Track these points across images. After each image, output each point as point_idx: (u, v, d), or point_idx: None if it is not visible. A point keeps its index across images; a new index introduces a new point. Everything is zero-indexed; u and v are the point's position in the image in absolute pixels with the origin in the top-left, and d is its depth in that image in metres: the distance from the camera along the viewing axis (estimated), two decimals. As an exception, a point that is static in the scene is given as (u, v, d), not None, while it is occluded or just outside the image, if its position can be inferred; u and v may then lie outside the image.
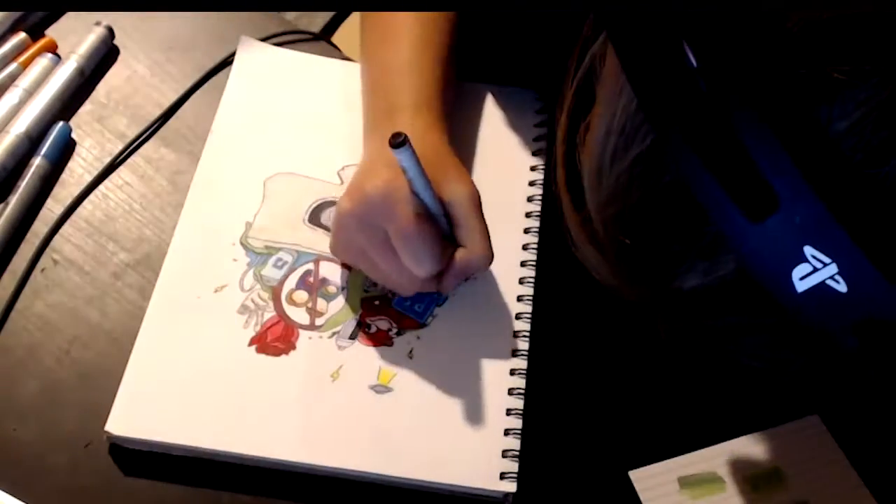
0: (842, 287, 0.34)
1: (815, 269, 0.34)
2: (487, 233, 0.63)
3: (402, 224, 0.60)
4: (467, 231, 0.63)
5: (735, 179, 0.34)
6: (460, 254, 0.63)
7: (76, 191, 0.71)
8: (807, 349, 0.41)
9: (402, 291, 0.65)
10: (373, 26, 0.72)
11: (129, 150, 0.74)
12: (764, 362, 0.43)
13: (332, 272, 0.67)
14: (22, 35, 0.77)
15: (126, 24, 0.80)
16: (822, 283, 0.34)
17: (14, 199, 0.69)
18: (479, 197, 0.63)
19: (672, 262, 0.39)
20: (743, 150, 0.33)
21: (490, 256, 0.63)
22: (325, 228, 0.69)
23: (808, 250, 0.34)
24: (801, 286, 0.35)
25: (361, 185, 0.62)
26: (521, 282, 0.67)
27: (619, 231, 0.41)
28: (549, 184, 0.71)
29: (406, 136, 0.57)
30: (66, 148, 0.73)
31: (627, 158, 0.39)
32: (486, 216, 0.70)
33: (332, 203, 0.70)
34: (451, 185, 0.62)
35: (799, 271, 0.34)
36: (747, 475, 0.61)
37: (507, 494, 0.60)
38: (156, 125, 0.75)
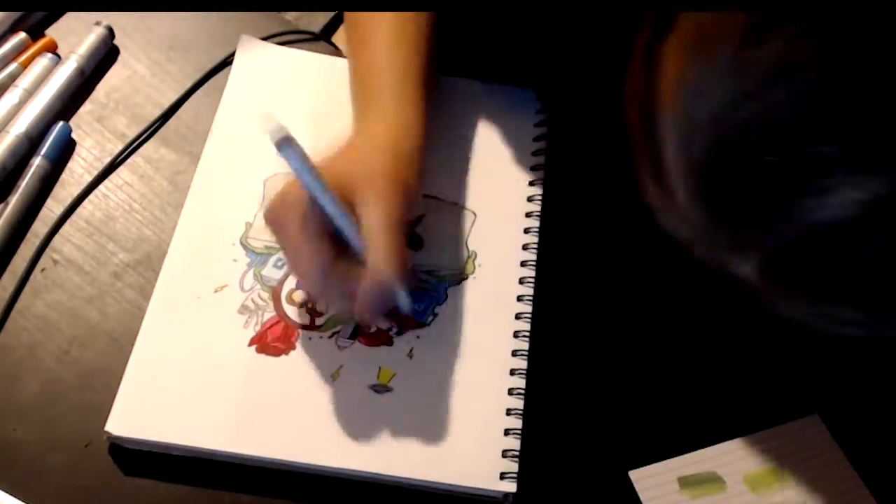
0: None
1: None
2: (397, 251, 0.59)
3: (289, 232, 0.58)
4: (370, 249, 0.58)
5: None
6: (364, 273, 0.59)
7: (76, 191, 0.71)
8: None
9: (320, 302, 0.64)
10: (353, 29, 0.71)
11: (129, 150, 0.74)
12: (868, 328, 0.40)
13: (332, 272, 0.67)
14: (22, 35, 0.77)
15: (126, 24, 0.80)
16: None
17: (14, 199, 0.69)
18: (392, 217, 0.59)
19: (807, 175, 0.36)
20: None
21: (392, 276, 0.58)
22: (325, 228, 0.69)
23: None
24: None
25: (284, 188, 0.61)
26: (521, 282, 0.67)
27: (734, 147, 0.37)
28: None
29: (287, 136, 0.54)
30: (66, 148, 0.73)
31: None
32: (485, 216, 0.70)
33: (332, 203, 0.70)
34: (364, 202, 0.59)
35: None
36: (747, 475, 0.61)
37: (507, 494, 0.60)
38: (156, 125, 0.75)
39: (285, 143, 0.54)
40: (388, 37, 0.68)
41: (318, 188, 0.57)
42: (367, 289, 0.59)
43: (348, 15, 0.72)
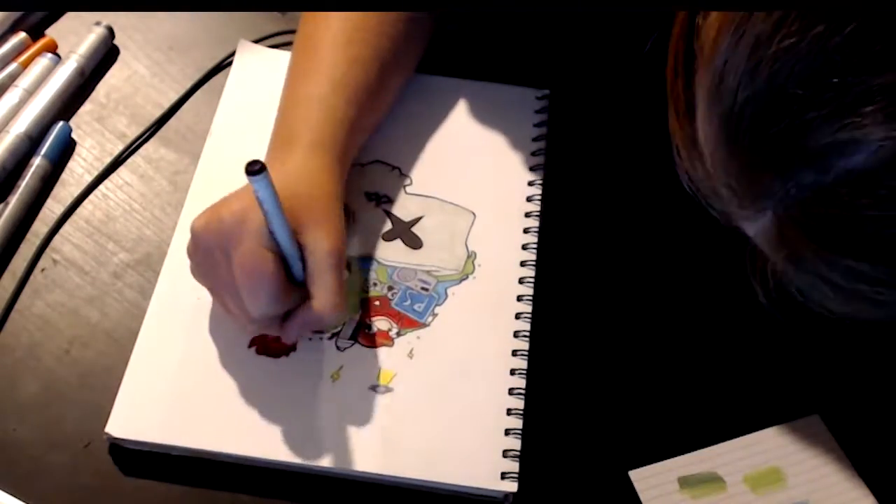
0: None
1: None
2: (340, 290, 0.59)
3: (244, 256, 0.57)
4: (317, 284, 0.59)
5: None
6: (306, 305, 0.60)
7: (76, 191, 0.71)
8: None
9: (241, 326, 0.62)
10: (300, 55, 0.69)
11: (129, 150, 0.74)
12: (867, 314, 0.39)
13: (332, 272, 0.67)
14: (22, 35, 0.77)
15: (126, 24, 0.80)
16: None
17: (14, 199, 0.69)
18: (341, 253, 0.60)
19: (839, 113, 0.35)
20: None
21: (335, 315, 0.60)
22: (325, 228, 0.69)
23: None
24: None
25: (219, 207, 0.60)
26: (521, 282, 0.67)
27: (771, 83, 0.36)
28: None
29: (263, 165, 0.53)
30: (66, 148, 0.73)
31: None
32: (485, 216, 0.70)
33: (332, 203, 0.70)
34: (314, 233, 0.59)
35: None
36: (747, 475, 0.61)
37: (507, 494, 0.60)
38: (156, 125, 0.75)
39: (260, 173, 0.53)
40: (336, 73, 0.67)
41: (279, 221, 0.57)
42: (307, 321, 0.60)
43: (297, 39, 0.71)
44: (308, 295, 0.60)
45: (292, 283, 0.60)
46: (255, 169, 0.53)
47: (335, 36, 0.68)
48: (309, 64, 0.68)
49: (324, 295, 0.59)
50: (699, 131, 0.41)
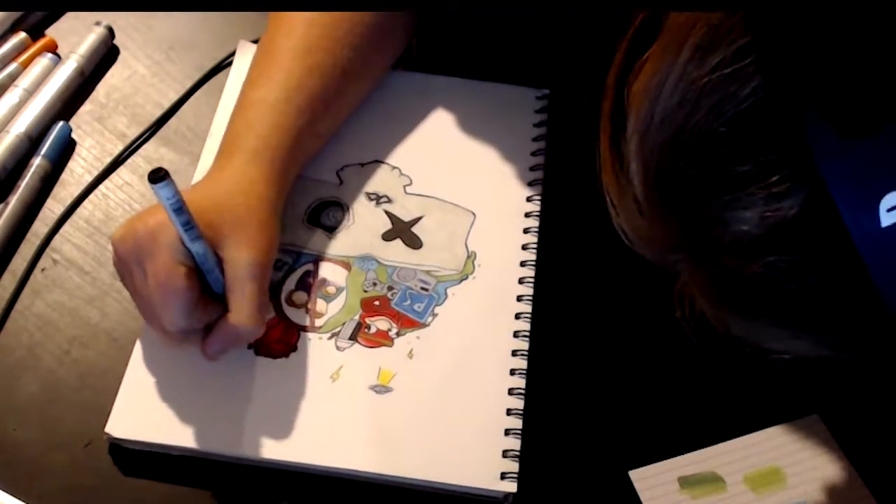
0: None
1: None
2: (262, 303, 0.59)
3: (156, 270, 0.57)
4: (236, 297, 0.58)
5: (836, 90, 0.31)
6: (224, 318, 0.59)
7: (76, 191, 0.71)
8: (862, 327, 0.37)
9: (160, 337, 0.61)
10: (259, 60, 0.69)
11: (129, 150, 0.74)
12: (798, 351, 0.40)
13: (332, 273, 0.67)
14: (22, 35, 0.77)
15: (126, 24, 0.80)
16: None
17: (14, 199, 0.69)
18: (262, 265, 0.59)
19: (729, 188, 0.36)
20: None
21: (258, 329, 0.59)
22: (324, 229, 0.69)
23: None
24: (887, 219, 0.31)
25: (135, 220, 0.59)
26: (521, 282, 0.67)
27: (673, 155, 0.38)
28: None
29: (166, 173, 0.52)
30: (67, 148, 0.73)
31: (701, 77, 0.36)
32: (485, 216, 0.70)
33: (330, 203, 0.70)
34: (234, 244, 0.58)
35: (889, 201, 0.31)
36: (747, 475, 0.61)
37: (507, 494, 0.60)
38: (156, 125, 0.75)
39: (162, 181, 0.52)
40: (290, 80, 0.66)
41: (189, 232, 0.56)
42: (225, 336, 0.60)
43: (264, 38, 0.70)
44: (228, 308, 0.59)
45: (213, 298, 0.59)
46: (157, 176, 0.52)
47: (296, 44, 0.67)
48: (265, 70, 0.67)
49: (240, 308, 0.58)
50: (629, 177, 0.42)
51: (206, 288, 0.59)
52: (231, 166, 0.62)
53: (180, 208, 0.54)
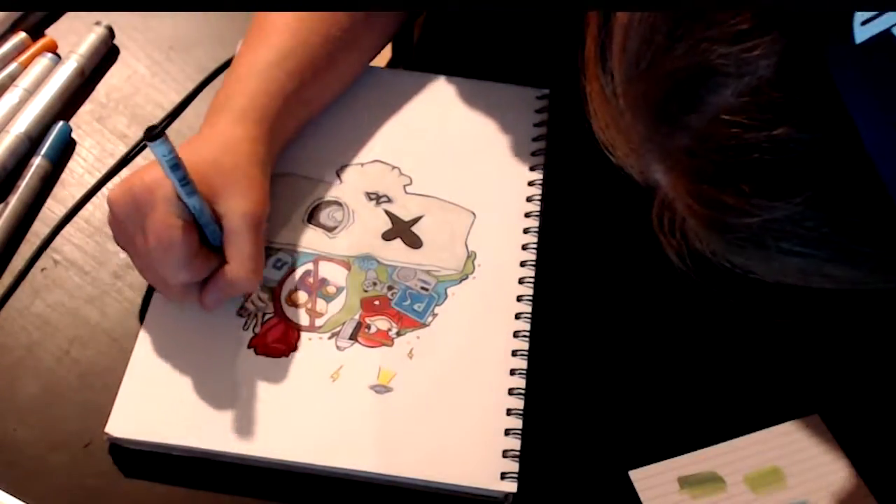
0: None
1: None
2: (257, 254, 0.61)
3: (154, 225, 0.58)
4: (234, 248, 0.60)
5: None
6: (221, 270, 0.61)
7: (76, 191, 0.71)
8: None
9: (162, 292, 0.64)
10: (253, 29, 0.70)
11: (129, 150, 0.74)
12: (808, 252, 0.38)
13: (332, 272, 0.67)
14: (22, 35, 0.77)
15: (126, 24, 0.80)
16: None
17: (14, 199, 0.69)
18: (258, 217, 0.61)
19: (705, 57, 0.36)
20: None
21: (253, 279, 0.61)
22: (325, 228, 0.69)
23: None
24: (861, 34, 0.31)
25: (132, 177, 0.61)
26: (521, 282, 0.67)
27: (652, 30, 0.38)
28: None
29: (162, 131, 0.54)
30: (67, 148, 0.73)
31: None
32: (485, 216, 0.70)
33: (330, 203, 0.70)
34: (230, 197, 0.60)
35: (861, 15, 0.31)
36: (747, 475, 0.61)
37: (507, 494, 0.60)
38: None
39: (158, 138, 0.54)
40: (282, 44, 0.68)
41: (185, 187, 0.57)
42: (222, 286, 0.61)
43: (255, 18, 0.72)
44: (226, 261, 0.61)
45: (211, 250, 0.61)
46: (153, 134, 0.54)
47: (291, 14, 0.69)
48: (258, 37, 0.69)
49: (237, 259, 0.60)
50: (612, 78, 0.42)
51: (205, 241, 0.61)
52: (220, 124, 0.64)
53: (176, 164, 0.56)
